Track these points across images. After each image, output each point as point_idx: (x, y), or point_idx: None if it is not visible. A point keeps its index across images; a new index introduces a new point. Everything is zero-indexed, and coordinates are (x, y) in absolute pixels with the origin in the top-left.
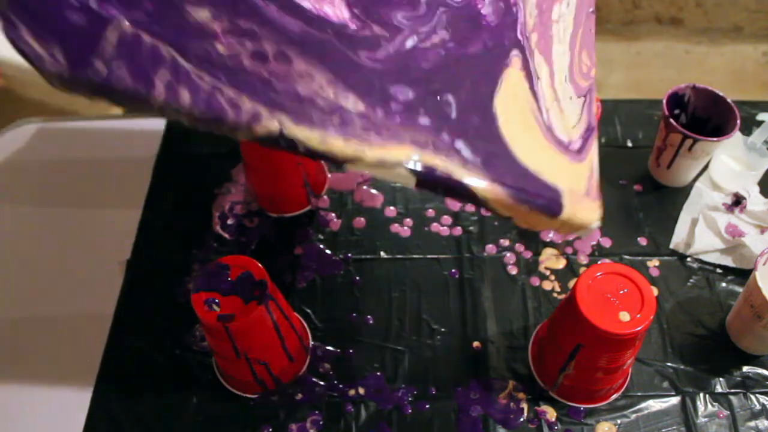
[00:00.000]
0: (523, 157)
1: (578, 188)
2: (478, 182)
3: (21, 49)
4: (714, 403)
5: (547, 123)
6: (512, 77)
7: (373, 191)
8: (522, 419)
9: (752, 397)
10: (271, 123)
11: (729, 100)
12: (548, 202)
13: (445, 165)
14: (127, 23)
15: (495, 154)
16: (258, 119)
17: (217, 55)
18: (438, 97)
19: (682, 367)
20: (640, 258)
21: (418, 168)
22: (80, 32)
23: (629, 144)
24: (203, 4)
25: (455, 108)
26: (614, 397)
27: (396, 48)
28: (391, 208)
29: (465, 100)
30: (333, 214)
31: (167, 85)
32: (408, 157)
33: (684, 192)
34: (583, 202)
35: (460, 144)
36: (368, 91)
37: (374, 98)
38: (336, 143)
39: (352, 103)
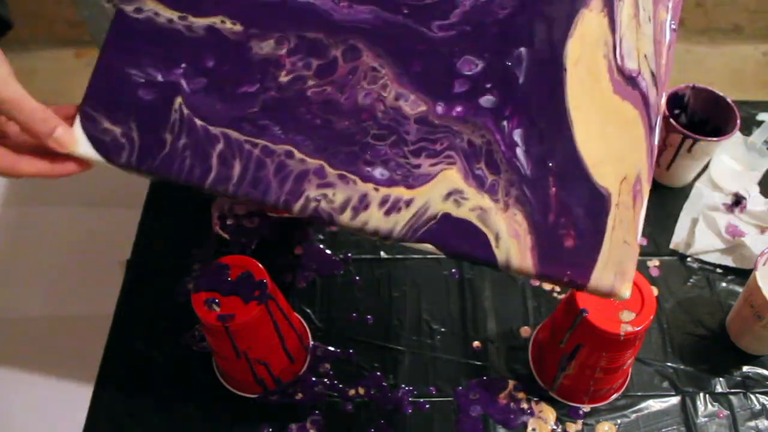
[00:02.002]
0: (582, 144)
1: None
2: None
3: (100, 139)
4: (714, 403)
5: (619, 61)
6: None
7: None
8: (522, 419)
9: (752, 397)
10: (310, 203)
11: (729, 100)
12: (572, 279)
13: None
14: (187, 110)
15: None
16: (298, 198)
17: (277, 91)
18: (507, 61)
19: (682, 367)
20: (640, 258)
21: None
22: (152, 108)
23: None
24: (268, 36)
25: (524, 70)
26: (614, 397)
27: (473, 1)
28: None
29: (537, 51)
30: None
31: (217, 174)
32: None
33: (684, 192)
34: (616, 260)
35: (519, 151)
36: (433, 76)
37: (437, 86)
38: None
39: (411, 104)
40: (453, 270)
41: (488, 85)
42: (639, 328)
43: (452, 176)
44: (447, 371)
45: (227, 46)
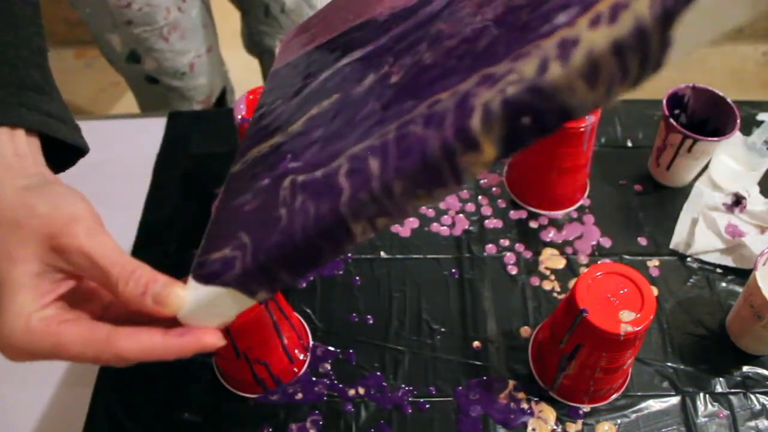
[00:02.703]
0: None
1: None
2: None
3: (208, 273)
4: (714, 403)
5: None
6: None
7: None
8: (522, 419)
9: (752, 397)
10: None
11: (729, 100)
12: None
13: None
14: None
15: None
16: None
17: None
18: None
19: (682, 367)
20: (640, 258)
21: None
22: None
23: (629, 144)
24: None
25: None
26: (614, 397)
27: None
28: None
29: None
30: None
31: None
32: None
33: (684, 192)
34: None
35: None
36: None
37: None
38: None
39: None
40: (453, 270)
41: None
42: (639, 328)
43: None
44: (447, 371)
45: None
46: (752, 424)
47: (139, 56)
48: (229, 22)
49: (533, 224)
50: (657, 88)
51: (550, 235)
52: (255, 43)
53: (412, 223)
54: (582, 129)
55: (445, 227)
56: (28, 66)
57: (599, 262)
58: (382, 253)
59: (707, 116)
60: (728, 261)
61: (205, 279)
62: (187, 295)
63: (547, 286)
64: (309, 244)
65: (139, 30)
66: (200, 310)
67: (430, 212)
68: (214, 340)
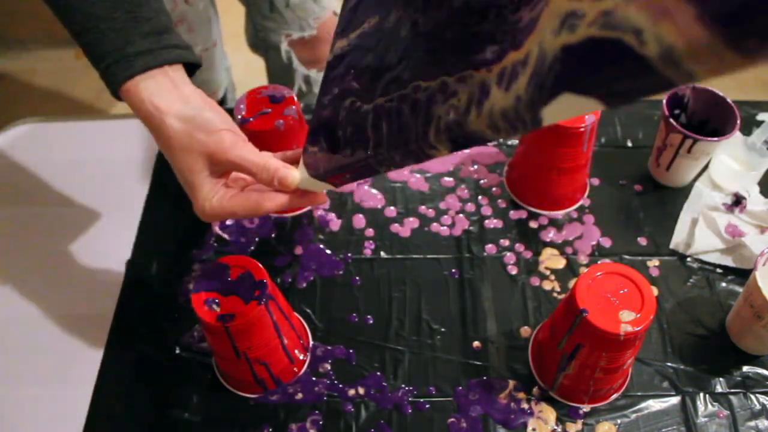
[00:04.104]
0: None
1: None
2: None
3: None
4: (714, 403)
5: None
6: None
7: (374, 191)
8: (522, 419)
9: (752, 397)
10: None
11: (729, 100)
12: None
13: None
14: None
15: None
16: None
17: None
18: None
19: (682, 367)
20: (640, 258)
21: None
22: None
23: (629, 144)
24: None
25: None
26: (614, 397)
27: None
28: (391, 208)
29: None
30: (333, 214)
31: None
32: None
33: (684, 192)
34: None
35: None
36: None
37: None
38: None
39: None
40: (453, 270)
41: None
42: (639, 328)
43: (558, 3)
44: (447, 371)
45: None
46: (752, 424)
47: None
48: (229, 22)
49: (533, 224)
50: None
51: (550, 235)
52: (260, 40)
53: (412, 223)
54: (582, 129)
55: (445, 227)
56: (162, 11)
57: (599, 262)
58: (382, 253)
59: (707, 116)
60: (728, 261)
61: (306, 165)
62: (299, 175)
63: (547, 286)
64: (363, 165)
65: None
66: (307, 184)
67: (430, 212)
68: (321, 199)
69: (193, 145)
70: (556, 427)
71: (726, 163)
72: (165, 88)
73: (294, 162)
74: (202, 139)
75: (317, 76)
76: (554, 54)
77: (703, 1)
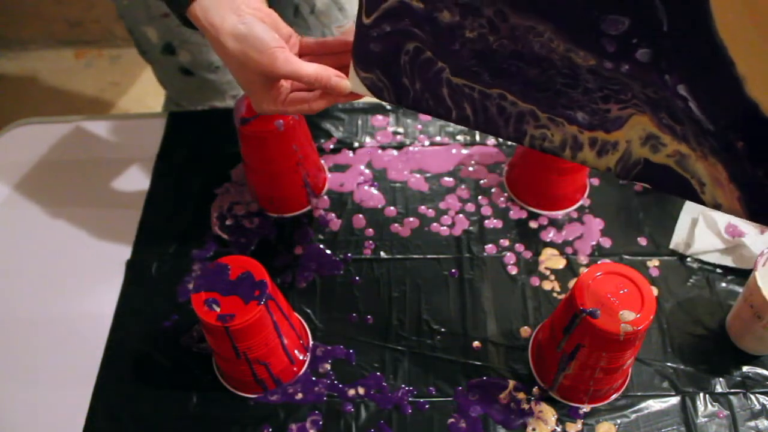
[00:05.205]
0: (752, 82)
1: None
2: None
3: (366, 86)
4: (714, 403)
5: None
6: None
7: (374, 191)
8: (522, 419)
9: (752, 397)
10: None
11: None
12: None
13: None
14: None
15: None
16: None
17: (471, 44)
18: (649, 9)
19: (682, 367)
20: (640, 258)
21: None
22: (386, 56)
23: None
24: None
25: (665, 13)
26: (614, 397)
27: None
28: (391, 208)
29: None
30: (333, 214)
31: (455, 104)
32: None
33: None
34: None
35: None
36: (584, 34)
37: (591, 42)
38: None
39: (582, 58)
40: (453, 270)
41: (635, 41)
42: (639, 328)
43: (645, 121)
44: (447, 371)
45: (418, 17)
46: (752, 424)
47: (174, 48)
48: None
49: (533, 224)
50: None
51: (550, 235)
52: None
53: (412, 223)
54: None
55: (445, 227)
56: None
57: (599, 262)
58: (382, 253)
59: None
60: (728, 261)
61: (358, 77)
62: (350, 82)
63: (547, 286)
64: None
65: (175, 22)
66: (358, 89)
67: (430, 212)
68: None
69: (248, 63)
70: (556, 428)
71: None
72: (217, 2)
73: (330, 51)
74: (255, 57)
75: None
76: (638, 158)
77: (741, 189)
